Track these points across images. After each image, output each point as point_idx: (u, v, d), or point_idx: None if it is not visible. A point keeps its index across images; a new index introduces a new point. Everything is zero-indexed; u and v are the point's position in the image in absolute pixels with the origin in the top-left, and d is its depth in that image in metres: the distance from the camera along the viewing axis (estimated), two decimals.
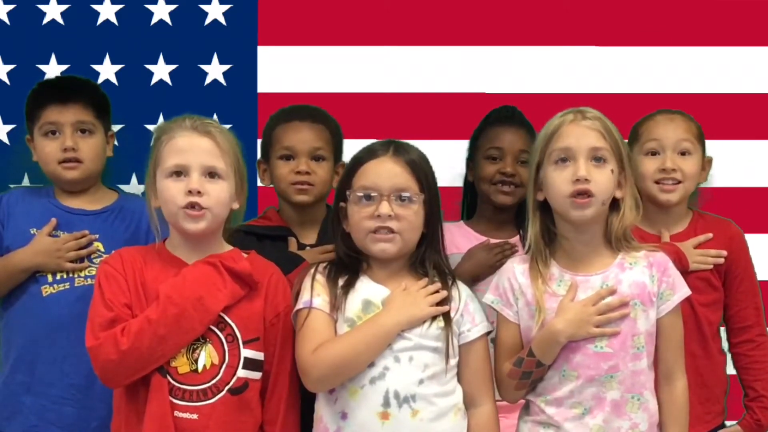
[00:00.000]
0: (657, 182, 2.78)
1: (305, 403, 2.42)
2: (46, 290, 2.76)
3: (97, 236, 2.79)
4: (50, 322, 2.73)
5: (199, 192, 2.33)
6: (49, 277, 2.76)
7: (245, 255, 2.44)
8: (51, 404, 2.73)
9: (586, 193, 2.32)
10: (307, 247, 2.76)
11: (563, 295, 2.35)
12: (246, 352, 2.35)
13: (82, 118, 2.82)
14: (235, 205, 2.45)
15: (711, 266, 2.79)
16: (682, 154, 2.80)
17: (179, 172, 2.35)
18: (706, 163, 2.88)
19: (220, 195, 2.37)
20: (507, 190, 2.84)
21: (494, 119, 2.93)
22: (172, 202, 2.35)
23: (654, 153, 2.80)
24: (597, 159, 2.35)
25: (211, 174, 2.37)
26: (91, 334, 2.30)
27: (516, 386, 2.38)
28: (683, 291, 2.42)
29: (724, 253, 2.80)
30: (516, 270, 2.41)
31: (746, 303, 2.83)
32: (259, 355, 2.37)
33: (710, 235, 2.81)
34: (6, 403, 2.77)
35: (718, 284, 2.82)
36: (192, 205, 2.34)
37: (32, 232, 2.79)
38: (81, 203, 2.86)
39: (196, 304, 2.30)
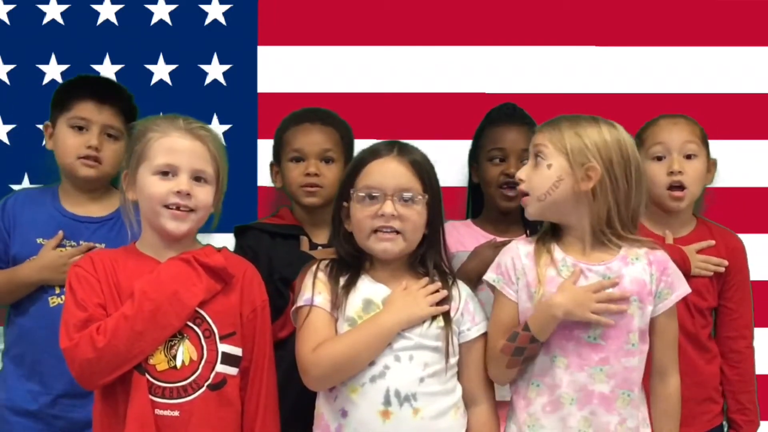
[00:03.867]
0: (667, 188, 2.79)
1: (305, 399, 2.42)
2: (54, 300, 2.77)
3: (103, 246, 2.79)
4: (57, 332, 2.73)
5: (188, 194, 2.34)
6: (56, 288, 2.77)
7: (218, 252, 2.43)
8: (60, 413, 2.75)
9: (521, 193, 2.43)
10: (319, 247, 2.77)
11: (564, 278, 2.36)
12: (223, 347, 2.35)
13: (113, 122, 2.84)
14: (211, 209, 2.45)
15: (711, 273, 2.82)
16: (688, 157, 2.82)
17: (167, 172, 2.36)
18: (711, 165, 2.90)
19: (206, 199, 2.38)
20: (511, 194, 2.81)
21: (495, 118, 2.92)
22: (158, 200, 2.35)
23: (660, 158, 2.82)
24: (535, 156, 2.41)
25: (199, 177, 2.37)
26: (65, 335, 2.29)
27: (508, 363, 2.38)
28: (682, 289, 2.43)
29: (726, 263, 2.84)
30: (521, 251, 2.42)
31: (738, 314, 2.88)
32: (237, 351, 2.38)
33: (712, 242, 2.86)
34: (16, 410, 2.78)
35: (714, 291, 2.85)
36: (179, 207, 2.34)
37: (39, 241, 2.80)
38: (87, 210, 2.86)
39: (172, 298, 2.29)
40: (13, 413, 2.79)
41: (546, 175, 2.37)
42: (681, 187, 2.81)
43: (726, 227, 2.94)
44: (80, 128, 2.82)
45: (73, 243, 2.80)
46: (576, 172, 2.35)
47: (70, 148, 2.82)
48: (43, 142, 2.89)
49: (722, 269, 2.84)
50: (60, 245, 2.79)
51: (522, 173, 2.41)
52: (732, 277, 2.86)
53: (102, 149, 2.81)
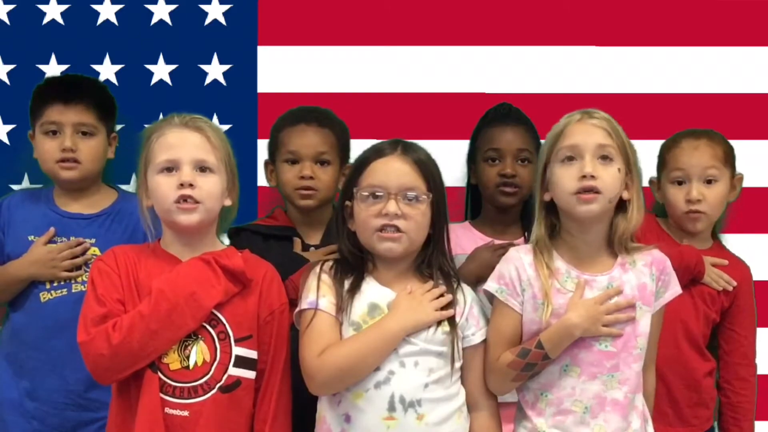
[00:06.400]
0: (685, 213, 2.80)
1: (302, 400, 2.41)
2: (45, 296, 2.78)
3: (93, 241, 2.80)
4: (49, 328, 2.74)
5: (191, 185, 2.34)
6: (47, 284, 2.78)
7: (240, 253, 2.43)
8: (53, 409, 2.75)
9: (593, 190, 2.33)
10: (312, 248, 2.77)
11: (570, 290, 2.36)
12: (238, 350, 2.35)
13: (84, 119, 2.82)
14: (227, 202, 2.45)
15: (721, 288, 2.83)
16: (708, 182, 2.82)
17: (170, 168, 2.36)
18: (736, 181, 2.90)
19: (211, 188, 2.37)
20: (509, 191, 2.83)
21: (491, 119, 2.92)
22: (165, 197, 2.35)
23: (680, 182, 2.82)
24: (603, 157, 2.36)
25: (202, 168, 2.37)
26: (83, 329, 2.30)
27: (515, 377, 2.38)
28: (675, 289, 2.45)
29: (735, 283, 2.85)
30: (524, 260, 2.41)
31: (748, 340, 2.90)
32: (252, 354, 2.37)
33: (726, 261, 2.86)
34: (9, 408, 2.78)
35: (719, 307, 2.86)
36: (184, 198, 2.34)
37: (31, 239, 2.81)
38: (79, 207, 2.86)
39: (189, 299, 2.30)
40: (9, 412, 2.79)
41: (617, 178, 2.36)
42: (699, 211, 2.83)
43: (739, 257, 2.94)
44: (54, 132, 2.82)
45: (64, 239, 2.81)
46: (632, 178, 2.38)
47: (47, 153, 2.82)
48: (34, 154, 2.89)
49: (731, 288, 2.84)
50: (51, 242, 2.79)
51: (593, 170, 2.34)
52: (741, 301, 2.87)
53: (78, 148, 2.81)
